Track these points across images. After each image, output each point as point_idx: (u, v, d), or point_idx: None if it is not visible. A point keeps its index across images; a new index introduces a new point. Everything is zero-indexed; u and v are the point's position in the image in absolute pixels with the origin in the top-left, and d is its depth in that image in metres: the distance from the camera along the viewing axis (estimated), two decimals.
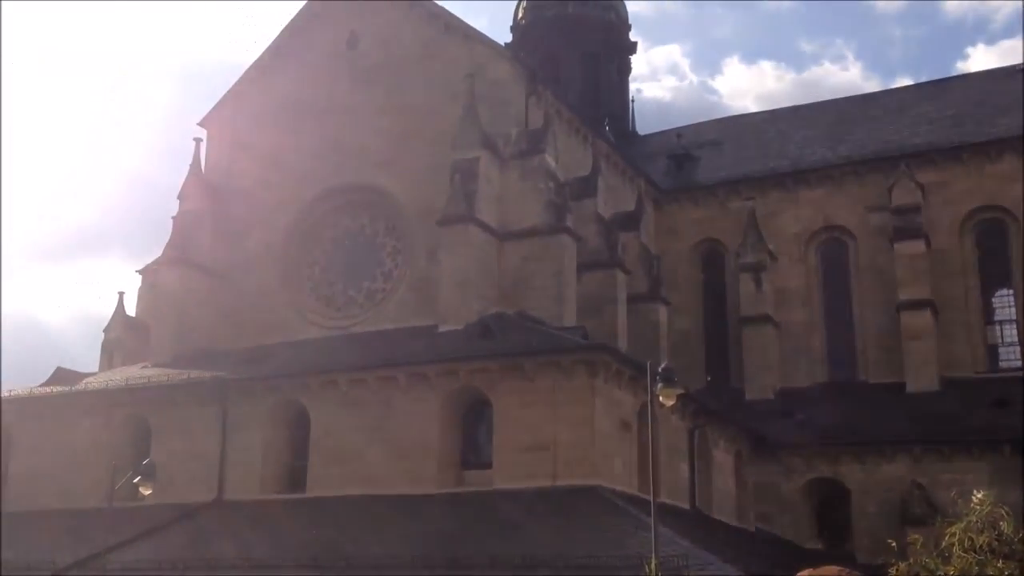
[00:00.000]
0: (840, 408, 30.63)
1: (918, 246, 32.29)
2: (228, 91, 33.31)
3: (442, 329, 26.43)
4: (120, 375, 28.59)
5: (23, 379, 34.63)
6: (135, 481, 19.92)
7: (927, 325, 31.40)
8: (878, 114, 37.83)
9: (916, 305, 31.52)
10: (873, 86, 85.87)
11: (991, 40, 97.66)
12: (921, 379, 30.82)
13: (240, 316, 30.38)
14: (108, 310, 33.77)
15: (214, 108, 33.28)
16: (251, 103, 32.82)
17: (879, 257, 33.36)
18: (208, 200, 31.70)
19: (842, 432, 29.40)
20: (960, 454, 27.28)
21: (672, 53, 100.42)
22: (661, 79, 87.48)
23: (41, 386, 29.11)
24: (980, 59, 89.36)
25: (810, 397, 31.78)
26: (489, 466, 23.01)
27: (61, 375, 29.32)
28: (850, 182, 34.81)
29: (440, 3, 31.48)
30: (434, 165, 28.76)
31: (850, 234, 34.55)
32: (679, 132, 40.82)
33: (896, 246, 32.49)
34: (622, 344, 28.21)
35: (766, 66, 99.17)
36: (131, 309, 33.64)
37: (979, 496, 11.84)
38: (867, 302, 33.55)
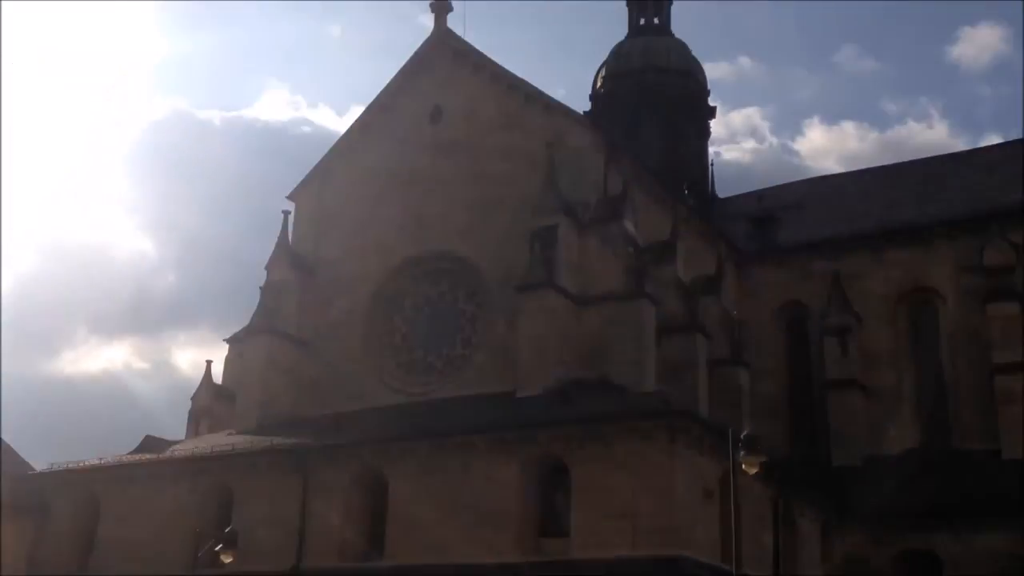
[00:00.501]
0: (932, 476, 29.44)
1: (1013, 308, 31.23)
2: (316, 166, 34.39)
3: (521, 395, 26.46)
4: (206, 443, 29.19)
5: (114, 447, 35.74)
6: (217, 549, 20.27)
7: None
8: (967, 173, 36.98)
9: (1012, 368, 30.36)
10: (960, 144, 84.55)
11: None
12: (1018, 446, 29.47)
13: (323, 384, 30.92)
14: (196, 378, 34.69)
15: (302, 182, 34.35)
16: (337, 176, 33.81)
17: (972, 319, 32.34)
18: (294, 271, 32.58)
19: (935, 501, 28.24)
20: None
21: (751, 116, 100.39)
22: (740, 142, 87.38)
23: (130, 454, 29.92)
24: None
25: (900, 464, 30.65)
26: (568, 534, 22.71)
27: (149, 443, 30.10)
28: (940, 243, 33.98)
29: (520, 75, 32.10)
30: (514, 233, 29.11)
31: (940, 296, 33.64)
32: (760, 195, 40.52)
33: (989, 308, 31.50)
34: (703, 409, 27.78)
35: (848, 127, 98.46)
36: (218, 378, 34.47)
37: None
38: (959, 365, 32.50)
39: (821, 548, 27.39)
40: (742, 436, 17.21)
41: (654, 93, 45.18)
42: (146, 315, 75.05)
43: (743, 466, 17.11)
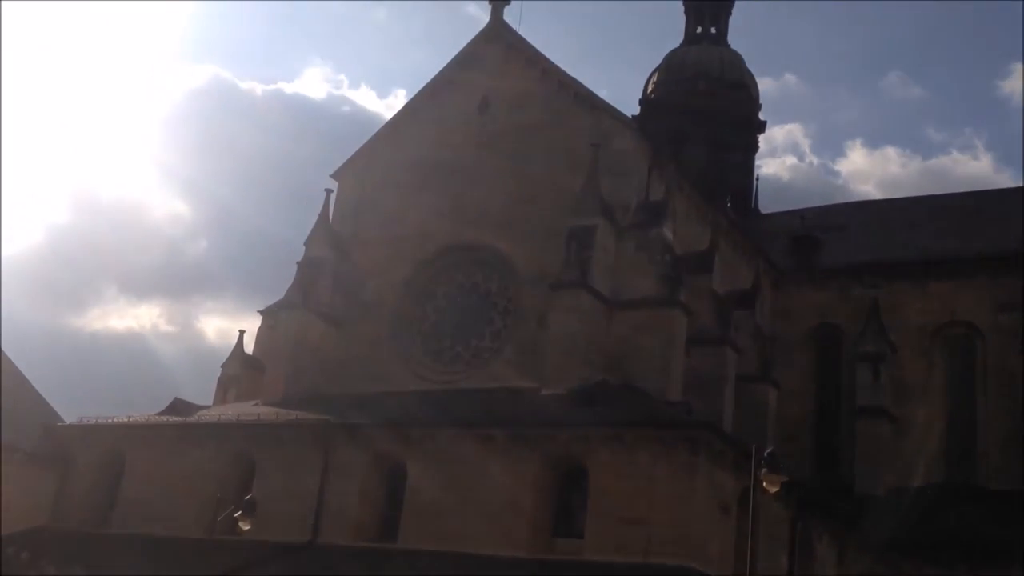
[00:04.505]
0: (956, 512, 29.12)
1: None
2: (361, 147, 34.59)
3: (545, 392, 26.47)
4: (232, 410, 29.48)
5: (135, 407, 36.07)
6: (235, 515, 20.50)
7: None
8: (1015, 209, 36.41)
9: None
10: (1004, 179, 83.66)
11: None
12: None
13: (350, 364, 31.04)
14: (220, 346, 35.07)
15: (347, 162, 34.54)
16: (382, 159, 33.92)
17: (1008, 358, 31.90)
18: (332, 249, 32.72)
19: (956, 537, 27.93)
20: None
21: (794, 132, 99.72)
22: (781, 157, 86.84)
23: (157, 415, 30.26)
24: None
25: (924, 497, 30.27)
26: (580, 536, 22.75)
27: (177, 405, 30.40)
28: (983, 278, 33.50)
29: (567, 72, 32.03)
30: (552, 230, 29.09)
31: (978, 331, 33.18)
32: (803, 214, 40.16)
33: None
34: (727, 424, 27.64)
35: (891, 152, 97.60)
36: (249, 348, 34.72)
37: None
38: (992, 404, 32.04)
39: (837, 574, 27.13)
40: (765, 453, 17.07)
41: (704, 102, 44.89)
42: (176, 279, 75.74)
43: (764, 484, 16.96)
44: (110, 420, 29.93)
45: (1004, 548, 27.07)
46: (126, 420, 29.85)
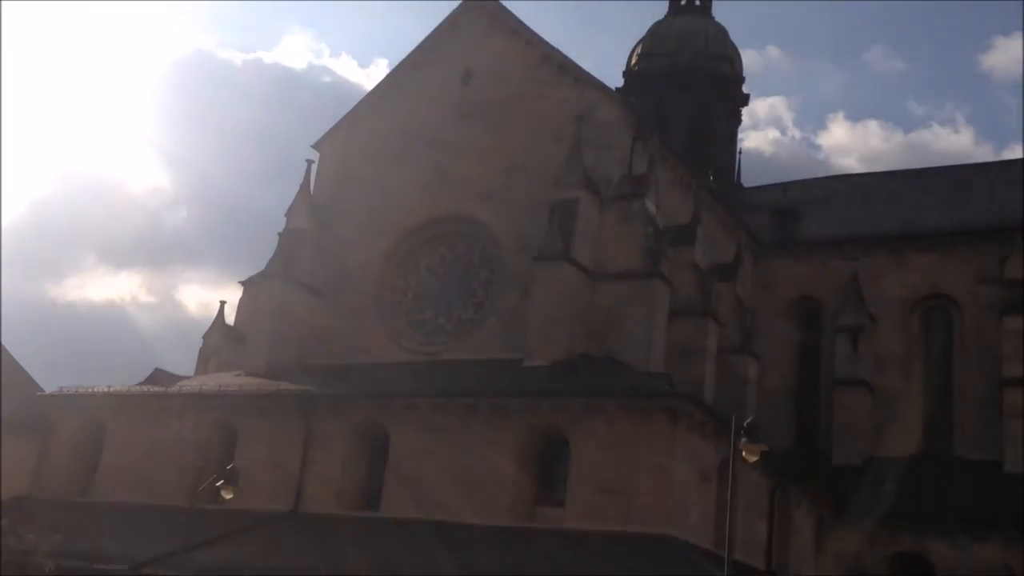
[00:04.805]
0: (932, 481, 29.55)
1: None
2: (343, 117, 34.32)
3: (527, 364, 26.57)
4: (214, 381, 29.43)
5: (114, 376, 35.92)
6: (217, 484, 20.55)
7: None
8: (994, 183, 36.66)
9: (1020, 382, 30.27)
10: (984, 152, 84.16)
11: None
12: (1020, 459, 29.50)
13: (332, 334, 31.02)
14: (200, 317, 34.96)
15: (328, 133, 34.28)
16: (364, 130, 33.70)
17: (986, 330, 32.26)
18: (313, 220, 32.55)
19: (932, 506, 28.36)
20: None
21: (776, 105, 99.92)
22: (763, 130, 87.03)
23: (139, 385, 30.18)
24: None
25: (901, 467, 30.71)
26: (561, 505, 22.93)
27: (158, 376, 30.34)
28: (962, 250, 33.81)
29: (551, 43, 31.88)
30: (535, 202, 29.05)
31: (956, 303, 33.51)
32: (785, 187, 40.30)
33: (1004, 320, 31.39)
34: (708, 395, 27.85)
35: (872, 125, 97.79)
36: (230, 318, 34.62)
37: None
38: (969, 375, 32.43)
39: (814, 543, 27.53)
40: (745, 424, 17.23)
41: (688, 75, 44.75)
42: (156, 248, 75.27)
43: (743, 453, 17.14)
44: (91, 390, 29.85)
45: (980, 517, 27.45)
46: (107, 390, 29.77)
